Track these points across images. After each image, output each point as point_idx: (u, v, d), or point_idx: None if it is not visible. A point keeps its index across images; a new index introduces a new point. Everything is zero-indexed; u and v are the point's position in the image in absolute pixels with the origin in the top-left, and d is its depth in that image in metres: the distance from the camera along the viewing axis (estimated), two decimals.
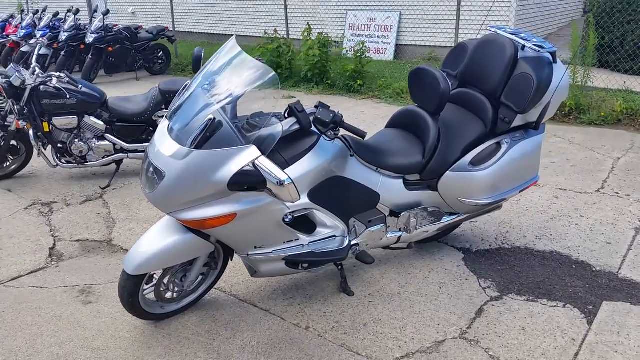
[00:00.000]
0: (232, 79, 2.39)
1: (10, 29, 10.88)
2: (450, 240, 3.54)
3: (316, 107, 2.45)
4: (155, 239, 2.47)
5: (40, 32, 10.15)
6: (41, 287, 3.10)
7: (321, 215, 2.57)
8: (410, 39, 9.90)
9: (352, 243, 2.86)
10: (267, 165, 2.11)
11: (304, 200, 2.45)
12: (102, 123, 4.56)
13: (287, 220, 2.44)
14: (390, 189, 2.87)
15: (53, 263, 3.40)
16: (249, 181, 2.19)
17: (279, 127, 2.30)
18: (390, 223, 2.95)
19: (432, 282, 3.08)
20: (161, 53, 10.47)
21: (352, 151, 2.67)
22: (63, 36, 9.54)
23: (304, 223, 2.59)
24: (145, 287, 2.62)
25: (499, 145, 2.94)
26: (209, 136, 2.22)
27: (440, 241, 3.53)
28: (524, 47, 2.89)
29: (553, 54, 2.92)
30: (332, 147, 2.54)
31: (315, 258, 2.61)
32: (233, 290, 3.04)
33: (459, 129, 2.95)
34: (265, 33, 9.32)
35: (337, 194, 2.64)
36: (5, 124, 4.46)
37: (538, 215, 3.89)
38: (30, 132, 4.40)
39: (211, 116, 2.24)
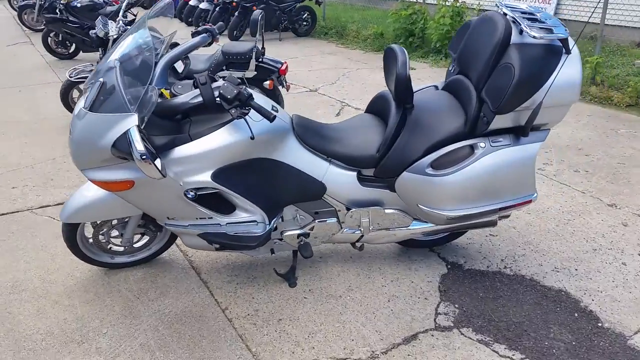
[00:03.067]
0: (131, 46, 2.35)
1: None
2: (445, 251, 3.06)
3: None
4: (89, 192, 2.59)
5: None
6: (53, 219, 3.51)
7: (234, 197, 2.42)
8: (571, 12, 8.50)
9: (298, 233, 2.67)
10: (133, 136, 2.04)
11: (205, 179, 2.32)
12: (174, 78, 4.86)
13: (189, 196, 2.36)
14: (340, 182, 2.57)
15: None
16: (125, 150, 2.15)
17: (154, 98, 2.19)
18: (345, 219, 2.66)
19: (385, 292, 2.72)
20: (306, 15, 10.66)
21: (254, 134, 2.31)
22: None
23: (224, 202, 2.48)
24: (89, 235, 2.80)
25: (472, 148, 2.41)
26: (102, 100, 2.22)
27: (434, 250, 3.08)
28: (521, 31, 2.28)
29: (564, 40, 2.25)
30: (257, 127, 2.34)
31: (225, 240, 2.50)
32: (194, 256, 3.08)
33: (432, 123, 2.48)
34: None
35: (259, 178, 2.46)
36: None
37: (580, 242, 3.13)
38: None
39: (102, 79, 2.23)
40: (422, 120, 2.51)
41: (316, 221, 2.66)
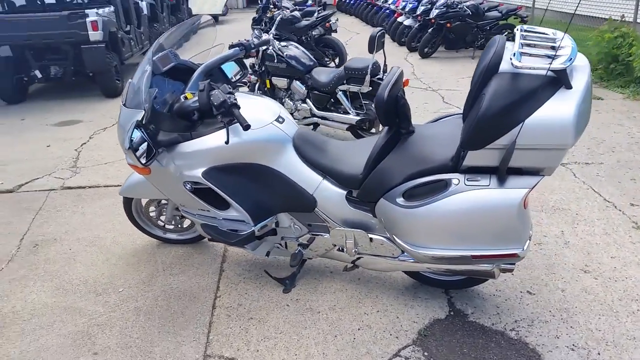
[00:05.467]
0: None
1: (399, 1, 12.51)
2: (458, 296, 2.77)
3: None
4: None
5: (411, 5, 11.39)
6: None
7: (223, 195, 2.63)
8: None
9: (299, 242, 2.77)
10: (130, 129, 2.42)
11: (197, 174, 2.57)
12: (304, 88, 5.26)
13: (187, 187, 2.65)
14: (329, 199, 2.59)
15: None
16: None
17: (151, 99, 2.49)
18: (333, 236, 2.66)
19: (362, 320, 2.62)
20: (507, 33, 10.04)
21: (229, 139, 2.44)
22: (419, 9, 10.46)
23: (221, 199, 2.71)
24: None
25: (447, 184, 2.17)
26: (131, 97, 2.65)
27: (448, 292, 2.81)
28: (511, 60, 1.98)
29: (561, 73, 1.89)
30: (252, 134, 2.52)
31: (213, 233, 2.73)
32: (231, 247, 3.38)
33: (423, 151, 2.32)
34: (610, 18, 7.73)
35: (250, 181, 2.61)
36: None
37: (635, 325, 2.49)
38: (256, 85, 5.55)
39: (130, 80, 2.65)
40: (414, 147, 2.37)
41: (313, 235, 2.72)
